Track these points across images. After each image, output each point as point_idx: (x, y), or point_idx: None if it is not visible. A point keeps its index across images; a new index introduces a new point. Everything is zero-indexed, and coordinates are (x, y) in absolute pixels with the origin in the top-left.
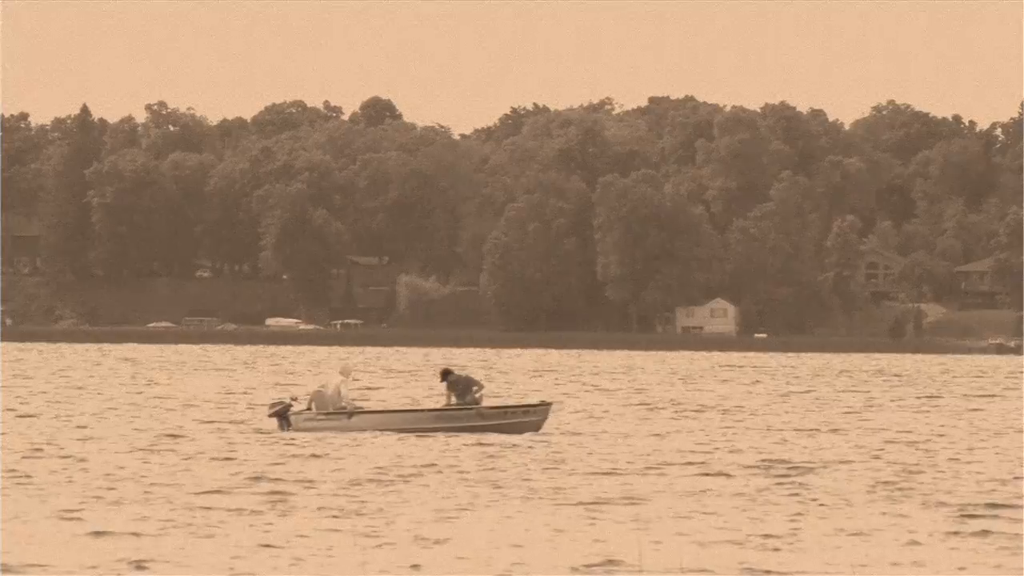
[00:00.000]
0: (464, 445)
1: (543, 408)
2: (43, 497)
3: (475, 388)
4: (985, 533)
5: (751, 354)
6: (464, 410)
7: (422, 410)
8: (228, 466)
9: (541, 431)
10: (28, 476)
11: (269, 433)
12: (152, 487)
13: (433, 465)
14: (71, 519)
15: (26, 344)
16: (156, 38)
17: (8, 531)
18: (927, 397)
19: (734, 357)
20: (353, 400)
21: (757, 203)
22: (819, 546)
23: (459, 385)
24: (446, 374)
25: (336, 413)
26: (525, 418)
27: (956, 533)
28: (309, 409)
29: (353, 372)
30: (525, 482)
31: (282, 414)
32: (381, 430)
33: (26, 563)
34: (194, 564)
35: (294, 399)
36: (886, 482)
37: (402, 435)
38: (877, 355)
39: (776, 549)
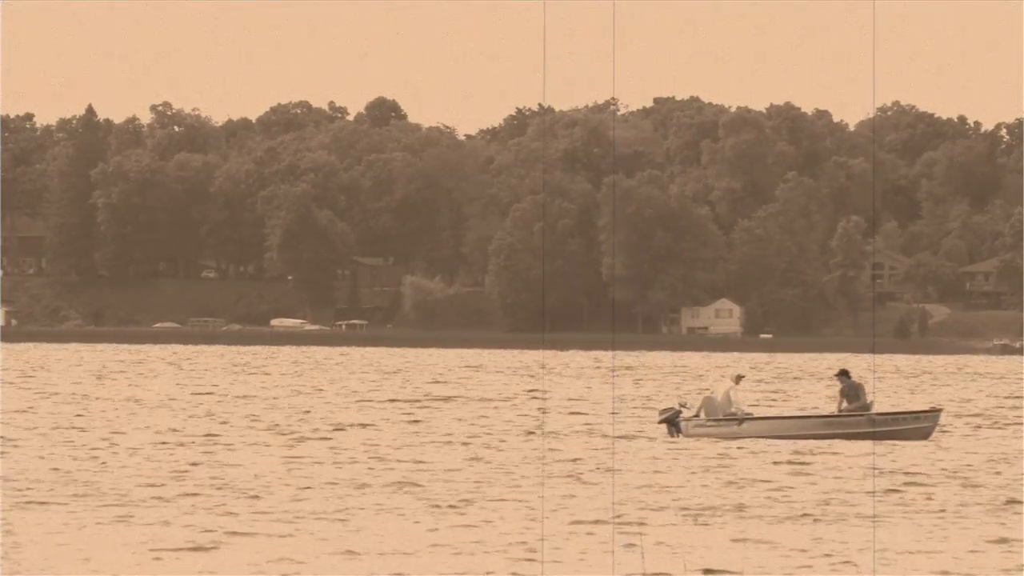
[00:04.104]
0: None
1: (934, 415)
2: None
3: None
4: None
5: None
6: (855, 416)
7: (813, 416)
8: None
9: (930, 439)
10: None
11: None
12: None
13: None
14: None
15: (30, 344)
16: (161, 39)
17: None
18: None
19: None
20: (743, 406)
21: (762, 204)
22: None
23: (851, 390)
24: (843, 375)
25: (726, 419)
26: (916, 424)
27: None
28: (698, 416)
29: (744, 378)
30: None
31: (672, 420)
32: (772, 437)
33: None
34: None
35: (683, 405)
36: None
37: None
38: (885, 356)
39: None
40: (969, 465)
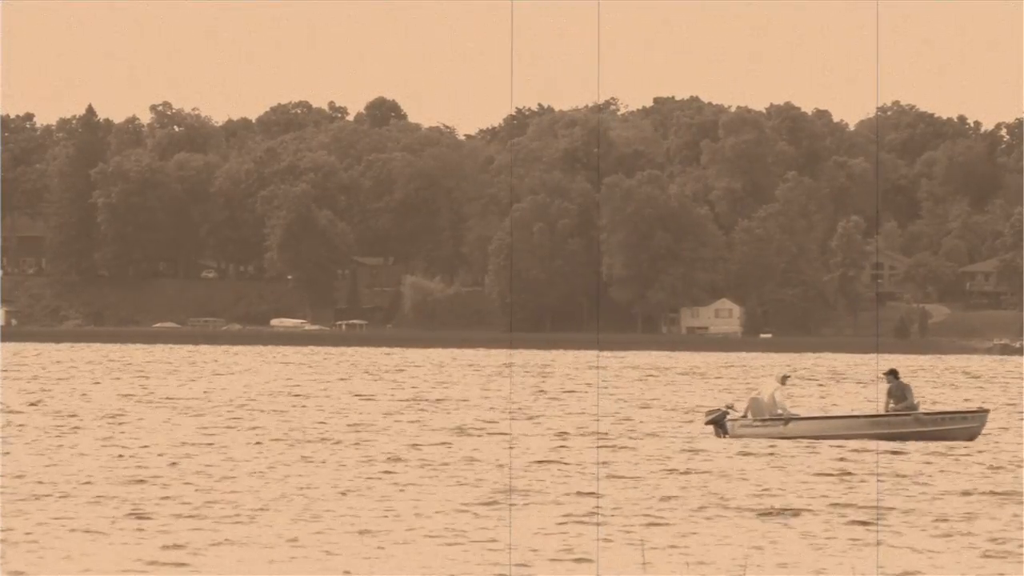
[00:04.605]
0: None
1: (981, 415)
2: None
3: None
4: None
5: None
6: (901, 416)
7: (859, 416)
8: None
9: (976, 440)
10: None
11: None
12: None
13: None
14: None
15: (29, 344)
16: (161, 39)
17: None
18: None
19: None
20: (789, 407)
21: (762, 203)
22: None
23: (898, 390)
24: (891, 374)
25: (772, 419)
26: (963, 424)
27: None
28: (745, 416)
29: (790, 379)
30: None
31: (719, 421)
32: (818, 437)
33: None
34: None
35: (730, 407)
36: None
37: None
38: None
39: None
40: (972, 465)
